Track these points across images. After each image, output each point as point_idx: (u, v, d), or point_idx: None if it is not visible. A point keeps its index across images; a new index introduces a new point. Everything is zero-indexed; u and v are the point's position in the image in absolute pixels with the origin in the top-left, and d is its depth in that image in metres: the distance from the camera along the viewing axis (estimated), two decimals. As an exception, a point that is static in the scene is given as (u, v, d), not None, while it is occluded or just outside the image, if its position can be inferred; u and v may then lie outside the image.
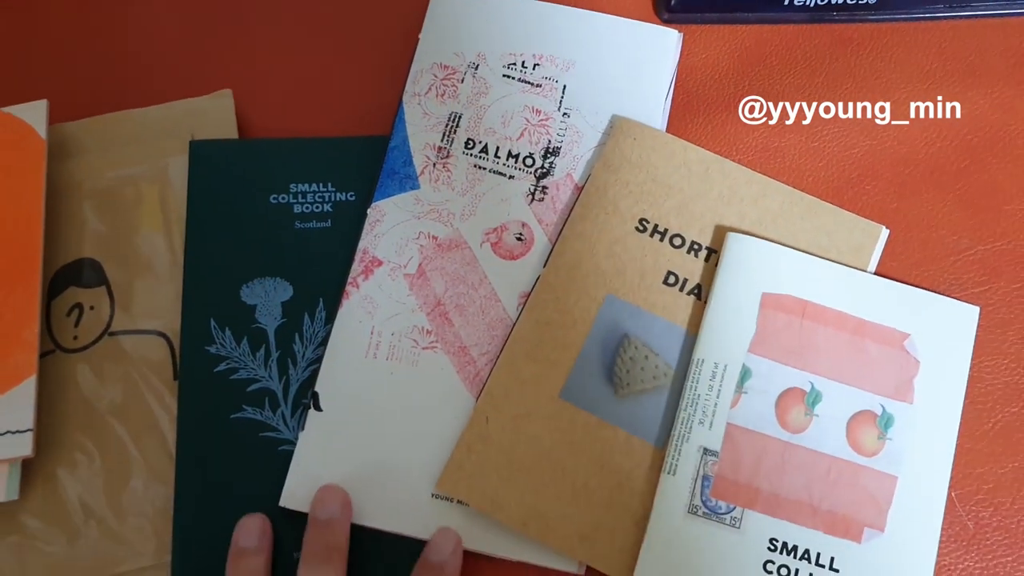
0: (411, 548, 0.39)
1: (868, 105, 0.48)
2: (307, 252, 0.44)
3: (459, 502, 0.40)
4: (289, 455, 0.41)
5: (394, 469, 0.41)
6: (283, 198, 0.45)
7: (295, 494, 0.40)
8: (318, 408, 0.42)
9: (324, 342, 0.42)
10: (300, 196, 0.45)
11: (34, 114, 0.46)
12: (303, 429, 0.41)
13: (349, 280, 0.44)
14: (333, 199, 0.45)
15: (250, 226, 0.45)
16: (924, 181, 0.47)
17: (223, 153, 0.46)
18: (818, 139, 0.48)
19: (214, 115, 0.48)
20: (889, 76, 0.49)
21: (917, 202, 0.46)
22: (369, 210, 0.45)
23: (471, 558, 0.40)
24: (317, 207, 0.45)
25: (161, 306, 0.44)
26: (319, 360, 0.42)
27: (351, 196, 0.45)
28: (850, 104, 0.49)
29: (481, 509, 0.39)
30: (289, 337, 0.43)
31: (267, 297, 0.43)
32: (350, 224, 0.45)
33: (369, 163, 0.46)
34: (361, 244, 0.44)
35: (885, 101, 0.48)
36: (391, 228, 0.45)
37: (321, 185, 0.45)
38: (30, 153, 0.45)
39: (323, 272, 0.44)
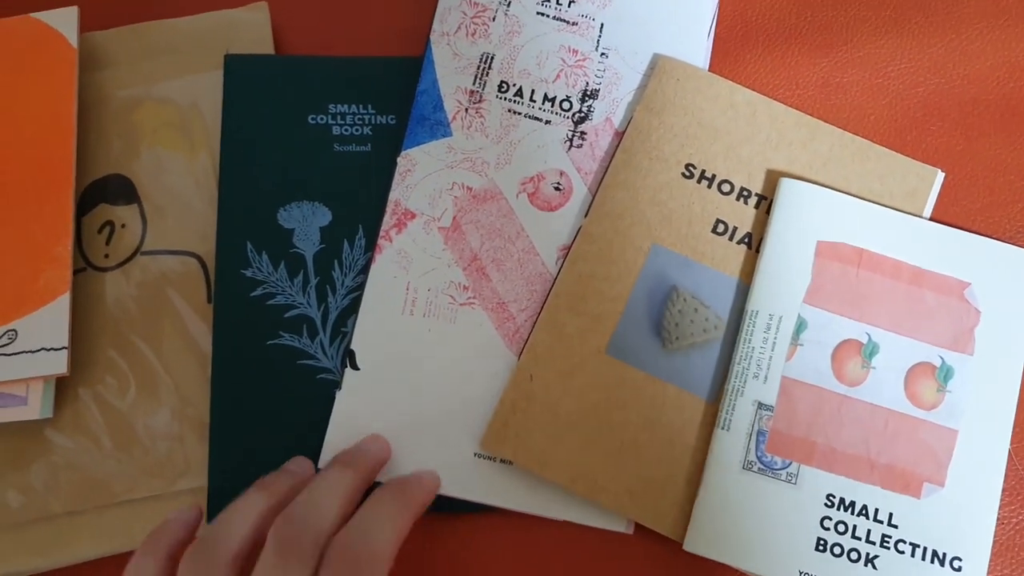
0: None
1: (938, 40, 0.46)
2: (346, 176, 0.43)
3: (503, 461, 0.39)
4: (327, 384, 0.40)
5: (434, 428, 0.39)
6: (321, 119, 0.43)
7: (333, 454, 0.39)
8: (355, 367, 0.40)
9: (364, 270, 0.41)
10: (339, 117, 0.43)
11: (64, 21, 0.44)
12: (339, 388, 0.40)
13: (381, 233, 0.42)
14: (373, 122, 0.43)
15: (287, 147, 0.43)
16: (993, 124, 0.44)
17: (260, 69, 0.44)
18: (882, 75, 0.45)
19: (249, 28, 0.46)
20: (963, 10, 0.46)
21: (984, 145, 0.44)
22: (399, 159, 0.43)
23: (516, 519, 0.39)
24: (357, 129, 0.43)
25: (194, 226, 0.43)
26: (359, 288, 0.41)
27: (391, 120, 0.43)
28: (919, 38, 0.46)
29: (528, 467, 0.38)
30: (328, 264, 0.41)
31: (305, 221, 0.41)
32: (390, 149, 0.43)
33: (411, 86, 0.44)
34: (392, 195, 0.42)
35: (957, 36, 0.46)
36: (423, 178, 0.43)
37: (361, 107, 0.43)
38: (61, 62, 0.43)
39: (362, 198, 0.42)
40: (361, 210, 0.42)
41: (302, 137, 0.43)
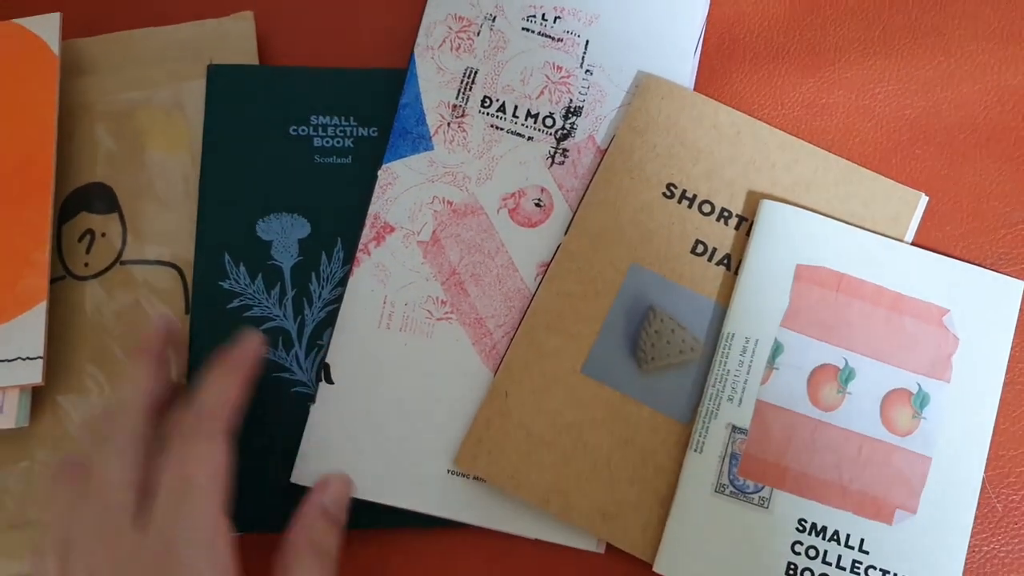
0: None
1: (926, 63, 0.45)
2: (326, 189, 0.42)
3: (476, 478, 0.39)
4: (302, 397, 0.40)
5: (409, 444, 0.39)
6: (303, 130, 0.43)
7: (306, 469, 0.39)
8: (330, 381, 0.40)
9: (343, 282, 0.41)
10: (321, 129, 0.43)
11: (47, 27, 0.44)
12: (314, 402, 0.40)
13: (360, 246, 0.42)
14: (355, 134, 0.43)
15: (268, 158, 0.43)
16: (978, 148, 0.44)
17: (243, 79, 0.44)
18: (869, 97, 0.45)
19: (234, 38, 0.46)
20: (951, 33, 0.46)
21: (969, 170, 0.44)
22: (380, 172, 0.43)
23: (488, 536, 0.39)
24: (338, 142, 0.43)
25: (174, 237, 0.43)
26: (336, 301, 0.41)
27: (373, 132, 0.43)
28: (907, 60, 0.46)
29: (500, 486, 0.38)
30: (305, 276, 0.41)
31: (284, 233, 0.41)
32: (371, 162, 0.43)
33: (394, 98, 0.44)
34: (372, 208, 0.42)
35: (945, 59, 0.45)
36: (404, 192, 0.43)
37: (343, 119, 0.43)
38: (42, 68, 0.43)
39: (342, 210, 0.42)
40: (340, 223, 0.42)
41: (283, 148, 0.43)
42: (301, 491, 0.39)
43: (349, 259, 0.42)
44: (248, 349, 0.36)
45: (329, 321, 0.41)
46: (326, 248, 0.42)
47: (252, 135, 0.43)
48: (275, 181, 0.43)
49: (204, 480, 0.31)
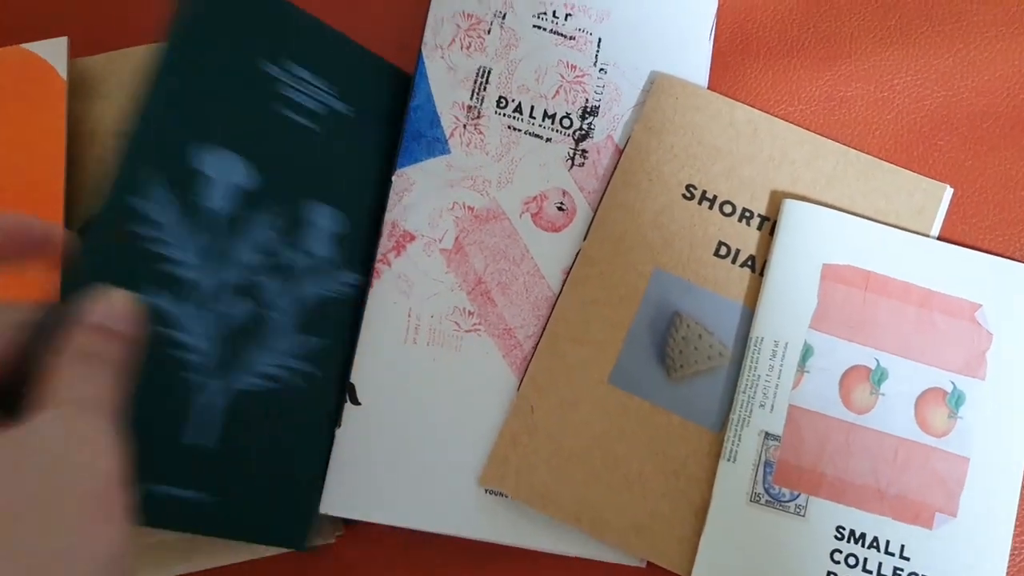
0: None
1: (946, 51, 0.44)
2: (282, 145, 0.37)
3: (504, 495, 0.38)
4: (185, 364, 0.34)
5: (441, 464, 0.38)
6: (274, 71, 0.37)
7: (336, 497, 0.37)
8: (355, 402, 0.39)
9: (272, 252, 0.36)
10: (296, 80, 0.38)
11: (54, 52, 0.43)
12: (340, 426, 0.38)
13: (379, 257, 0.40)
14: (329, 105, 0.39)
15: (229, 85, 0.36)
16: (1003, 136, 0.43)
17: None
18: (888, 88, 0.44)
19: None
20: (971, 19, 0.45)
21: (994, 159, 0.43)
22: (394, 177, 0.41)
23: (527, 556, 0.38)
24: (309, 102, 0.39)
25: None
26: (254, 270, 0.35)
27: (350, 110, 0.40)
28: (926, 49, 0.45)
29: (530, 504, 0.37)
30: (231, 229, 0.35)
31: (220, 172, 0.35)
32: (339, 139, 0.39)
33: (383, 91, 0.42)
34: (389, 216, 0.41)
35: (965, 47, 0.44)
36: (421, 198, 0.41)
37: (325, 83, 0.39)
38: (50, 93, 0.42)
39: (293, 175, 0.37)
40: (287, 187, 0.37)
41: (247, 81, 0.37)
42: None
43: (290, 231, 0.37)
44: (37, 228, 0.29)
45: (247, 288, 0.35)
46: (263, 207, 0.36)
47: (220, 52, 0.36)
48: (230, 115, 0.36)
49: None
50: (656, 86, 0.43)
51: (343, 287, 0.39)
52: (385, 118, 0.42)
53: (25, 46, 0.43)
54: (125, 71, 0.44)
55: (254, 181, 0.36)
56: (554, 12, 0.44)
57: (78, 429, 0.25)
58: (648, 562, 0.38)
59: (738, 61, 0.45)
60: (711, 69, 0.44)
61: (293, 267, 0.37)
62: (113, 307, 0.29)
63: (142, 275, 0.33)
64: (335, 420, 0.39)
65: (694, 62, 0.44)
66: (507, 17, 0.44)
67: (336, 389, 0.39)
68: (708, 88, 0.43)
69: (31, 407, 0.25)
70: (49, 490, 0.24)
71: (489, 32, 0.44)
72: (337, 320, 0.39)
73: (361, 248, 0.40)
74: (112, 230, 0.33)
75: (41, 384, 0.26)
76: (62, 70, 0.42)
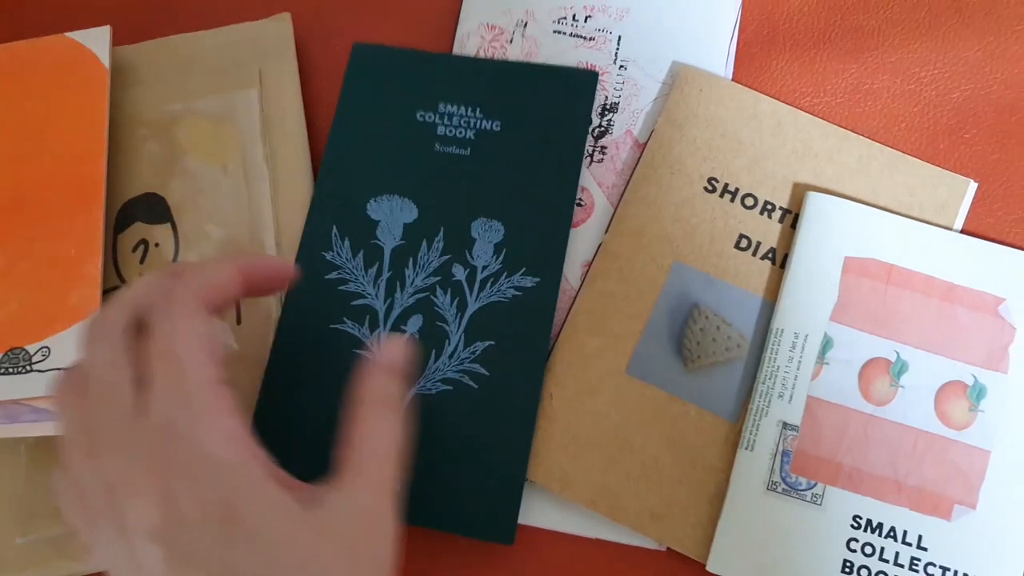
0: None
1: (974, 44, 0.44)
2: (440, 178, 0.42)
3: (527, 479, 0.39)
4: None
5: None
6: (430, 116, 0.43)
7: None
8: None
9: (437, 272, 0.41)
10: (446, 117, 0.43)
11: (97, 40, 0.45)
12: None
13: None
14: (478, 126, 0.43)
15: (392, 140, 0.43)
16: (1031, 131, 0.43)
17: (381, 60, 0.45)
18: (914, 81, 0.44)
19: (273, 39, 0.46)
20: (1000, 12, 0.44)
21: (1021, 153, 0.42)
22: None
23: (548, 536, 0.39)
24: (460, 132, 0.43)
25: (226, 244, 0.43)
26: (427, 290, 0.41)
27: (496, 125, 0.43)
28: (954, 42, 0.44)
29: (548, 488, 0.38)
30: (403, 261, 0.41)
31: (391, 215, 0.42)
32: (489, 156, 0.42)
33: (518, 90, 0.43)
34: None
35: (994, 39, 0.44)
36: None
37: (469, 109, 0.43)
38: (93, 81, 0.44)
39: (451, 201, 0.42)
40: (447, 213, 0.42)
41: (408, 133, 0.43)
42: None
43: (448, 250, 0.41)
44: (276, 266, 0.35)
45: (416, 308, 0.41)
46: (428, 236, 0.42)
47: (382, 115, 0.43)
48: (394, 163, 0.43)
49: (186, 354, 0.29)
50: (680, 78, 0.43)
51: (509, 290, 0.41)
52: (523, 119, 0.43)
53: (69, 35, 0.45)
54: (165, 60, 0.46)
55: (418, 214, 0.42)
56: (574, 16, 0.45)
57: (377, 510, 0.29)
58: (667, 547, 0.38)
59: (764, 52, 0.45)
60: (736, 61, 0.45)
61: (461, 281, 0.41)
62: (392, 353, 0.34)
63: (342, 313, 0.41)
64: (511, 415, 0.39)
65: (716, 54, 0.44)
66: (528, 25, 0.45)
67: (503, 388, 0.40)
68: (732, 80, 0.44)
69: (342, 467, 0.30)
70: (345, 566, 0.28)
71: (511, 41, 0.45)
72: (506, 322, 0.40)
73: (521, 251, 0.41)
74: (313, 279, 0.41)
75: (348, 434, 0.31)
76: (105, 58, 0.44)
